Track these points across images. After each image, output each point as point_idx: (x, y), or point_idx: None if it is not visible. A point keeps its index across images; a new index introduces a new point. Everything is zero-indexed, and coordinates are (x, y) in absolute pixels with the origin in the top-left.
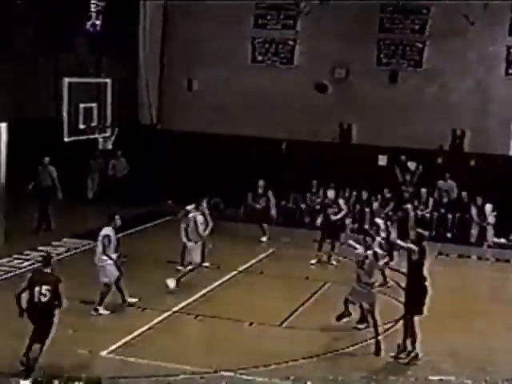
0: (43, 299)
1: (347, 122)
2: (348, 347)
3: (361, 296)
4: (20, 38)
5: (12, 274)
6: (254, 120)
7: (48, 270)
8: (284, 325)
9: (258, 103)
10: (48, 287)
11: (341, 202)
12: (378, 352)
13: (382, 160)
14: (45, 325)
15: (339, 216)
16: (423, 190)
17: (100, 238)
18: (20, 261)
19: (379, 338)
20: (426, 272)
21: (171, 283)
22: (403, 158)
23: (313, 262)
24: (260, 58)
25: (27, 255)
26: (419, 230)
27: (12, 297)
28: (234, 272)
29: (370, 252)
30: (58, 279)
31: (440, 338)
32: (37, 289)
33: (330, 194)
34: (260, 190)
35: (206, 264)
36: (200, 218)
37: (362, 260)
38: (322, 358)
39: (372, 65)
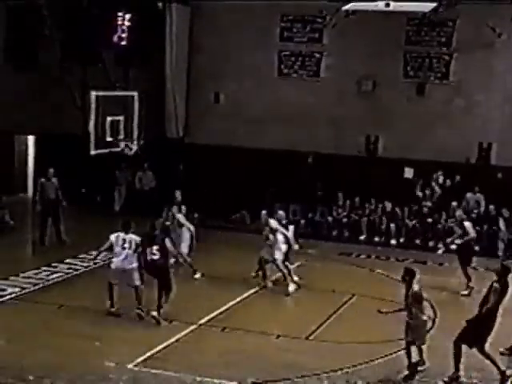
0: (155, 257)
1: (374, 135)
2: (374, 360)
3: None
4: (46, 51)
5: (40, 285)
6: (281, 133)
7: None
8: (311, 337)
9: (285, 116)
10: (157, 247)
11: (467, 224)
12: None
13: (408, 173)
14: (163, 277)
15: (464, 239)
16: (454, 204)
17: (133, 243)
18: (48, 273)
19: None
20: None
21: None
22: (439, 173)
23: (465, 292)
24: (286, 70)
25: (55, 267)
26: (506, 263)
27: (42, 307)
28: (261, 284)
29: None
30: (162, 239)
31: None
32: (148, 250)
33: (459, 213)
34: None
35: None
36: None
37: None
38: (349, 371)
39: (399, 77)
